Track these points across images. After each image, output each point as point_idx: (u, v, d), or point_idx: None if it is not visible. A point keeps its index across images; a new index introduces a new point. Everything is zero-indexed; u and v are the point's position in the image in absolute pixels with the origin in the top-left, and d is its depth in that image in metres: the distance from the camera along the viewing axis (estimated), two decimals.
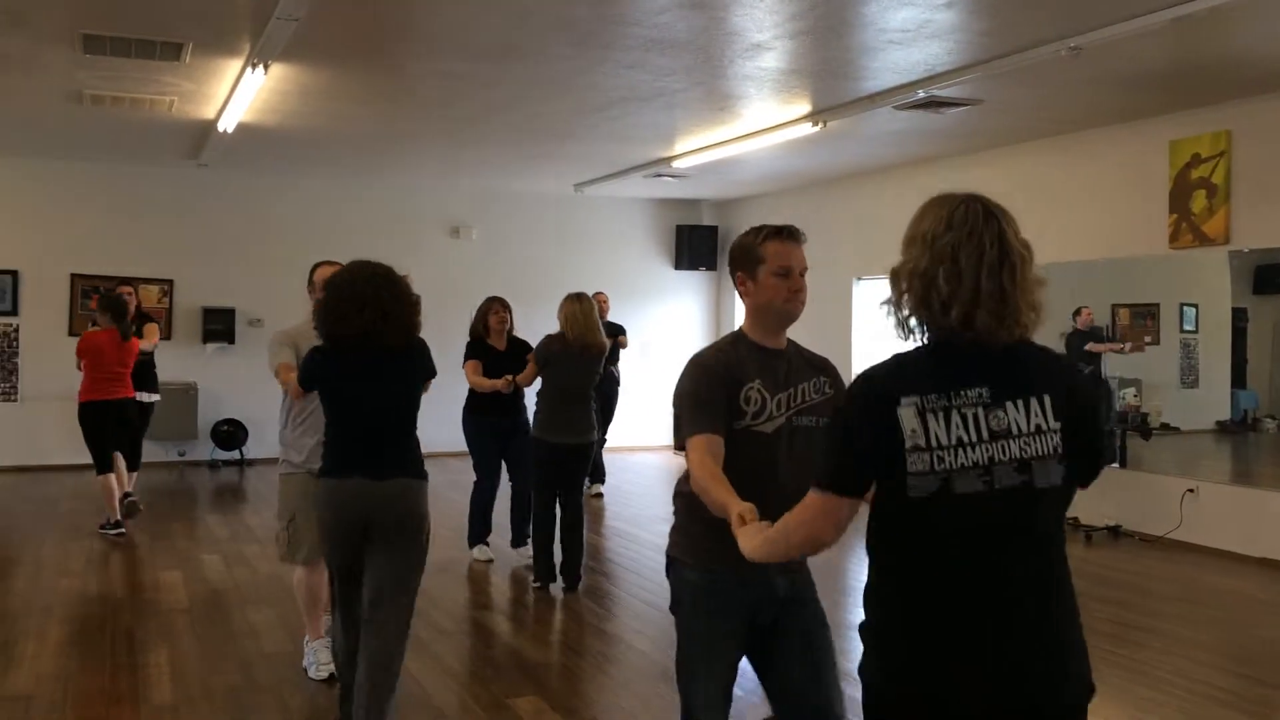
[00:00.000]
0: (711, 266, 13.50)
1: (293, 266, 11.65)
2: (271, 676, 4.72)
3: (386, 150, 9.89)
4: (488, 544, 6.94)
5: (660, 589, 6.51)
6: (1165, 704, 4.48)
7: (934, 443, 1.86)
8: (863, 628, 2.00)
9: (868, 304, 11.08)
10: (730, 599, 2.71)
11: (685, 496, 2.72)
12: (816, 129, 8.05)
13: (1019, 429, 1.90)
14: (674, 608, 2.85)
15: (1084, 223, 8.45)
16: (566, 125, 8.51)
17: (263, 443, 11.42)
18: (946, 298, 1.91)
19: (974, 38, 5.89)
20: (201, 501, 9.42)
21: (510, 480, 6.94)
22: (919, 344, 1.97)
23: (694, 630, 2.78)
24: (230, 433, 11.33)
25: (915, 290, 1.95)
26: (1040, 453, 1.90)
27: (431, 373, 4.03)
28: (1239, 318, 7.78)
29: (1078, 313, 8.86)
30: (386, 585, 3.66)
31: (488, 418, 6.81)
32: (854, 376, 2.01)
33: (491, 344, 6.83)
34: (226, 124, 8.19)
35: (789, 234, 2.73)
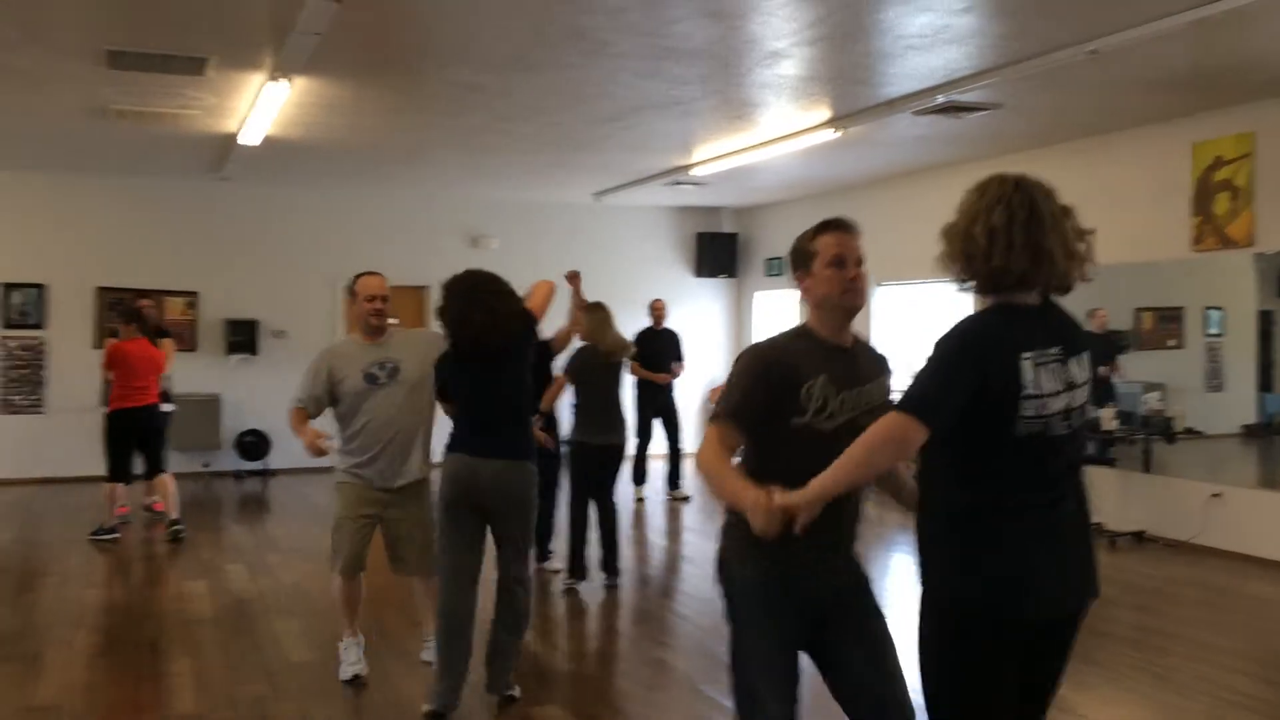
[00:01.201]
0: (732, 274, 13.49)
1: (315, 278, 11.84)
2: (296, 686, 4.74)
3: (406, 161, 9.96)
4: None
5: (686, 598, 6.52)
6: (1190, 710, 4.44)
7: (1042, 391, 2.34)
8: (937, 546, 2.44)
9: (889, 309, 11.04)
10: (782, 597, 2.65)
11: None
12: (836, 135, 8.05)
13: (1078, 381, 2.42)
14: (727, 610, 2.76)
15: (1107, 226, 8.34)
16: (584, 134, 8.54)
17: (286, 453, 11.49)
18: (985, 249, 2.40)
19: (993, 42, 5.87)
20: (226, 512, 9.49)
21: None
22: (978, 299, 2.47)
23: (748, 631, 2.70)
24: (254, 444, 11.40)
25: (955, 244, 2.48)
26: (1084, 400, 2.45)
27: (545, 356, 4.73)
28: (1265, 321, 7.70)
29: (1093, 314, 8.81)
30: (511, 556, 4.33)
31: None
32: (954, 324, 2.42)
33: None
34: (249, 137, 8.26)
35: (839, 225, 2.72)
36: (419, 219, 12.22)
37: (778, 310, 12.73)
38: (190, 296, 11.42)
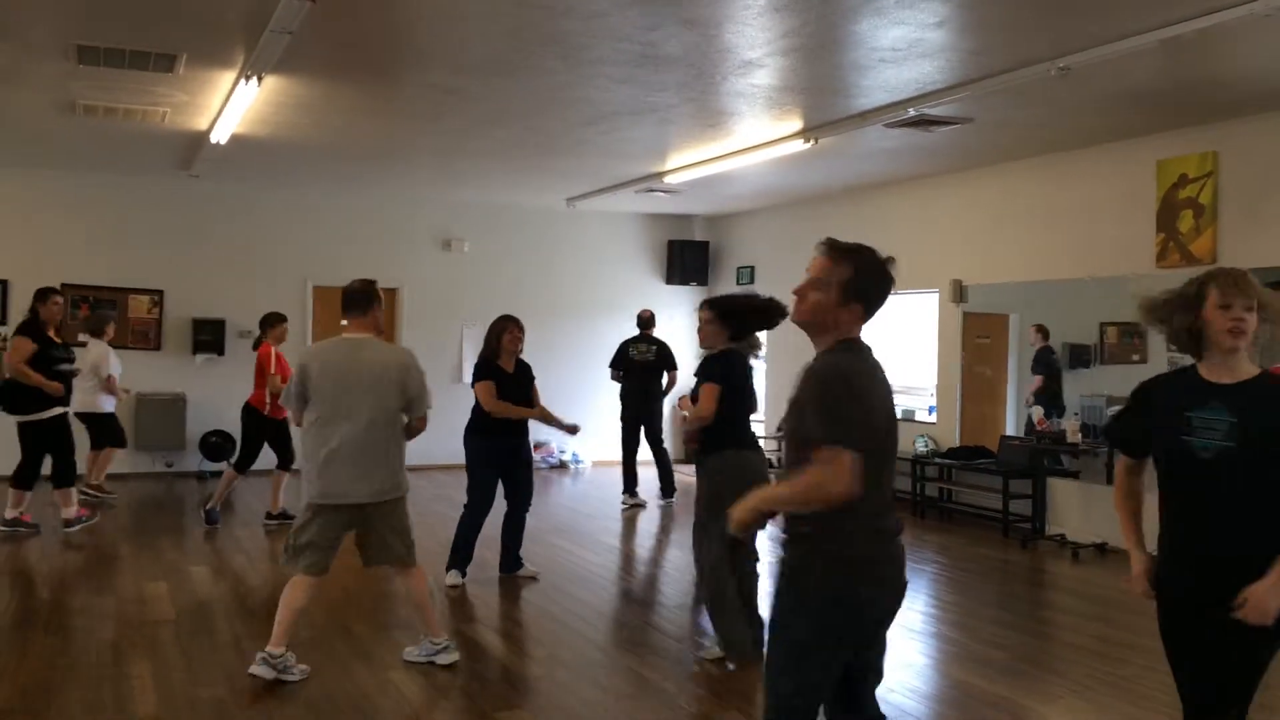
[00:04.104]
0: (703, 281, 13.53)
1: (283, 278, 11.76)
2: (258, 690, 4.69)
3: (379, 162, 9.91)
4: (464, 573, 6.65)
5: (647, 603, 6.52)
6: None
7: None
8: None
9: None
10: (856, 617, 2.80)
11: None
12: (808, 146, 8.09)
13: None
14: (798, 611, 2.84)
15: (1073, 241, 8.50)
16: (558, 139, 8.54)
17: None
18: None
19: (964, 57, 5.93)
20: (189, 513, 9.38)
21: (507, 503, 6.75)
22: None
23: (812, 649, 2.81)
24: (219, 444, 11.29)
25: None
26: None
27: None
28: None
29: (1039, 329, 8.97)
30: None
31: (494, 440, 6.58)
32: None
33: (501, 365, 6.59)
34: (219, 135, 8.19)
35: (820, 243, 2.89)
36: (390, 220, 12.17)
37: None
38: (156, 295, 11.30)
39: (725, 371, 5.17)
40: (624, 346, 10.49)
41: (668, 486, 10.22)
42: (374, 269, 12.13)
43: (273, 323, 8.71)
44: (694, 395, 5.27)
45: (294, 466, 8.81)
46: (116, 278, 11.08)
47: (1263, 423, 2.83)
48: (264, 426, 8.61)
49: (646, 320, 10.57)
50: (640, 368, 10.32)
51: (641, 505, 9.92)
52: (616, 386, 10.56)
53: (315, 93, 7.12)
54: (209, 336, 11.39)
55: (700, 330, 5.37)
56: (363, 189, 11.69)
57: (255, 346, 8.84)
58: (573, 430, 6.91)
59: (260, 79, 6.44)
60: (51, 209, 10.92)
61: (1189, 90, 6.63)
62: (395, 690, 4.72)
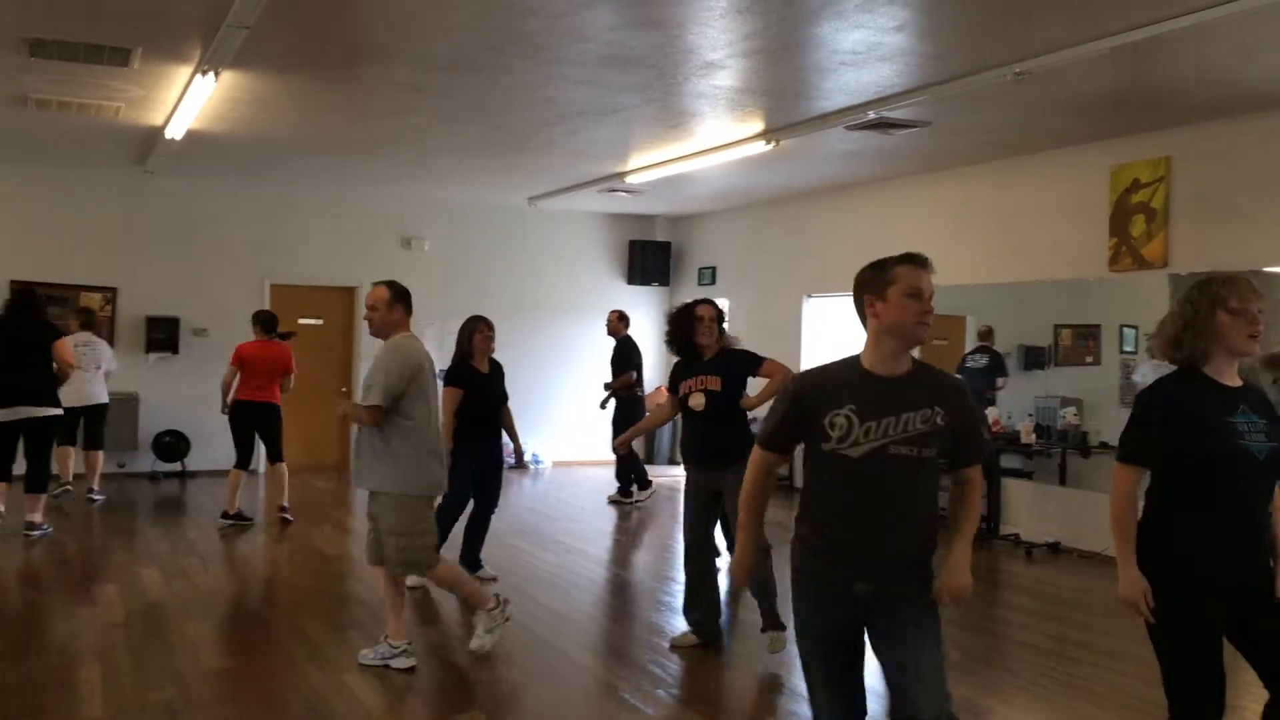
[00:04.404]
0: (664, 282, 13.54)
1: (240, 276, 11.62)
2: (209, 693, 4.63)
3: (338, 159, 9.82)
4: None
5: (605, 604, 6.51)
6: (1101, 718, 4.55)
7: None
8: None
9: (818, 321, 11.18)
10: (820, 597, 2.89)
11: (799, 509, 2.95)
12: (769, 147, 8.13)
13: None
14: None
15: (1028, 245, 8.60)
16: (520, 138, 8.51)
17: (205, 454, 11.26)
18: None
19: (923, 61, 5.98)
20: (141, 514, 9.24)
21: (474, 504, 6.72)
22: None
23: (798, 621, 3.00)
24: (172, 444, 11.14)
25: None
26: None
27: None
28: None
29: (986, 334, 9.16)
30: None
31: (466, 444, 6.48)
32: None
33: (475, 365, 6.56)
34: (175, 130, 8.08)
35: (920, 259, 2.84)
36: (349, 218, 12.06)
37: None
38: (108, 292, 11.11)
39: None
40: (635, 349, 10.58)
41: (644, 480, 10.33)
42: (332, 267, 12.08)
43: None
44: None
45: (251, 467, 8.75)
46: (68, 274, 10.89)
47: (1276, 421, 3.02)
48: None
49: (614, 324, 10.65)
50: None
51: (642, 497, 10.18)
52: (578, 386, 10.54)
53: (273, 88, 7.04)
54: (163, 335, 11.22)
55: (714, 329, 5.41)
56: (321, 186, 11.59)
57: (284, 336, 8.75)
58: (518, 457, 7.01)
59: (217, 74, 6.36)
60: (1, 203, 10.71)
61: (1142, 96, 6.73)
62: (349, 693, 4.67)
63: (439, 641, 5.62)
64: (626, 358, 10.43)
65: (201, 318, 11.43)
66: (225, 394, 8.58)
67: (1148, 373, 8.09)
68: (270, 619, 5.95)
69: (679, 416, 5.59)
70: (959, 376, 2.89)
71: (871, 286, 2.86)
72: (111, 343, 10.97)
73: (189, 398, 11.25)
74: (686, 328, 5.36)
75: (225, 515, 8.52)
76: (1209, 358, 3.01)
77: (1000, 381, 9.08)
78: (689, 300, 5.56)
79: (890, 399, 2.79)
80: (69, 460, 9.40)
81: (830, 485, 2.83)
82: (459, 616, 6.06)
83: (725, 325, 5.49)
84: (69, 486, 9.44)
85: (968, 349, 9.22)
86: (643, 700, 4.69)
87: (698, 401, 5.29)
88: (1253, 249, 7.05)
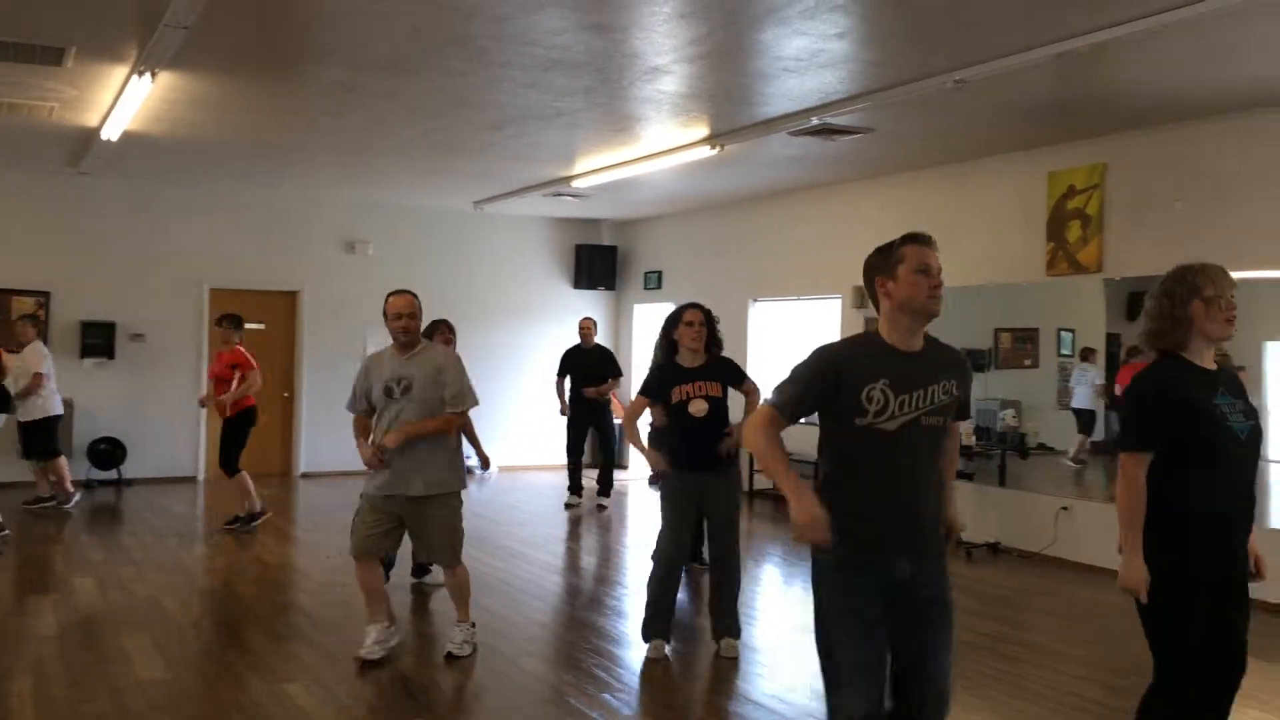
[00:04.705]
0: (610, 286, 13.54)
1: (178, 280, 11.41)
2: (144, 705, 4.53)
3: (278, 161, 9.69)
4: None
5: (552, 610, 6.49)
6: (1039, 715, 4.63)
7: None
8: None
9: (764, 324, 11.25)
10: (862, 577, 2.86)
11: (820, 490, 2.89)
12: (714, 152, 8.17)
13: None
14: (815, 594, 2.97)
15: (969, 249, 8.73)
16: (465, 141, 8.46)
17: (142, 461, 11.04)
18: None
19: (864, 68, 6.05)
20: (75, 522, 9.03)
21: None
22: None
23: (832, 608, 2.89)
24: (108, 451, 10.90)
25: None
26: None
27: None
28: (1112, 343, 8.12)
29: None
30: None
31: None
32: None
33: None
34: (110, 132, 7.92)
35: (924, 237, 2.95)
36: (291, 221, 11.90)
37: (655, 323, 12.84)
38: (42, 296, 10.84)
39: None
40: (566, 356, 10.61)
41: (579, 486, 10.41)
42: (273, 271, 11.91)
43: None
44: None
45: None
46: None
47: (1249, 403, 3.22)
48: None
49: (586, 330, 10.70)
50: (583, 376, 10.49)
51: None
52: (524, 391, 10.52)
53: (212, 89, 6.93)
54: (98, 340, 10.97)
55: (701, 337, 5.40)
56: (262, 188, 11.42)
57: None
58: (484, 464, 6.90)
59: (154, 74, 6.25)
60: None
61: (1079, 104, 6.87)
62: (291, 702, 4.61)
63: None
64: (613, 363, 10.53)
65: (139, 322, 11.20)
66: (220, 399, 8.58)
67: (1080, 377, 8.28)
68: (209, 629, 5.84)
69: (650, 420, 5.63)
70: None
71: (881, 268, 2.95)
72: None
73: (126, 404, 11.03)
74: (676, 333, 5.36)
75: (251, 517, 8.60)
76: (1188, 344, 3.18)
77: None
78: (680, 304, 5.50)
79: (918, 373, 2.88)
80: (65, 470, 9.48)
81: (865, 461, 2.85)
82: (403, 621, 6.00)
83: (720, 330, 5.48)
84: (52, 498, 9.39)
85: None
86: (590, 705, 4.68)
87: (700, 408, 5.23)
88: (1184, 255, 7.18)
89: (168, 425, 11.28)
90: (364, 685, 4.91)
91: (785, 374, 2.96)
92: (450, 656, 5.22)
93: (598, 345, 10.72)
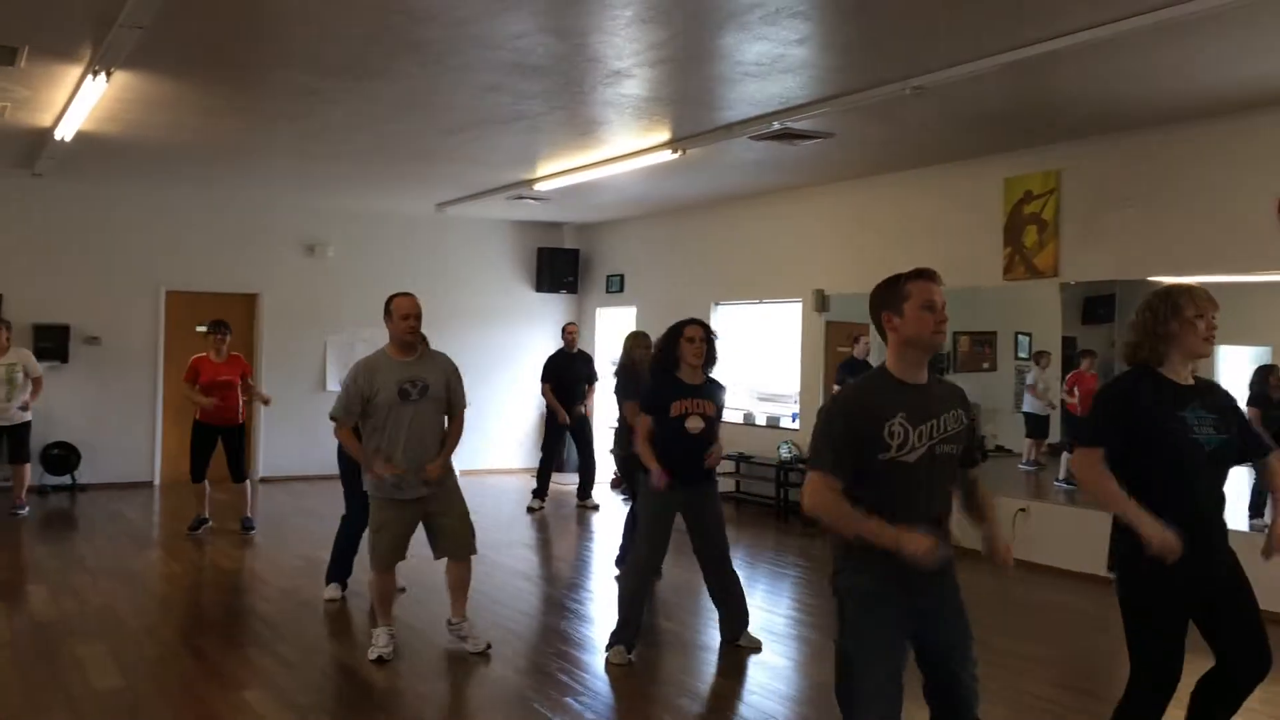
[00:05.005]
0: (573, 289, 13.53)
1: (134, 282, 11.26)
2: (99, 714, 4.47)
3: (237, 163, 9.59)
4: (345, 585, 6.53)
5: (514, 613, 6.47)
6: (995, 715, 4.68)
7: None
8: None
9: (726, 329, 11.30)
10: (888, 607, 2.95)
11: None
12: (676, 156, 8.19)
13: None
14: (840, 618, 3.03)
15: (928, 254, 8.79)
16: (426, 145, 8.42)
17: (95, 467, 10.88)
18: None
19: (825, 74, 6.10)
20: (28, 529, 8.88)
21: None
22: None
23: (858, 633, 2.98)
24: (61, 457, 10.72)
25: None
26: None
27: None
28: (1069, 346, 8.24)
29: (857, 340, 9.44)
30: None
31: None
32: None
33: None
34: (65, 132, 7.79)
35: (930, 273, 3.04)
36: (250, 223, 11.77)
37: (617, 326, 12.86)
38: None
39: None
40: (550, 362, 10.58)
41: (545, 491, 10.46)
42: (232, 274, 11.78)
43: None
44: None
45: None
46: None
47: (1230, 417, 3.37)
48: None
49: (570, 335, 10.74)
50: (568, 383, 10.50)
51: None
52: (485, 395, 10.50)
53: (168, 90, 6.85)
54: (51, 343, 10.77)
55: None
56: (220, 190, 11.29)
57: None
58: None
59: (109, 74, 6.16)
60: None
61: (1034, 111, 6.97)
62: (250, 710, 4.56)
63: (344, 655, 5.52)
64: (593, 368, 10.61)
65: (94, 325, 11.03)
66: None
67: (1033, 380, 8.39)
68: (166, 637, 5.77)
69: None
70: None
71: (888, 303, 3.02)
72: None
73: (80, 408, 10.86)
74: (675, 348, 5.46)
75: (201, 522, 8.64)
76: (1165, 359, 3.35)
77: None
78: (682, 320, 5.61)
79: (927, 403, 2.98)
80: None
81: (891, 494, 2.91)
82: (361, 626, 5.97)
83: (717, 347, 5.56)
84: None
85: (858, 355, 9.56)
86: (552, 709, 4.67)
87: (696, 425, 5.39)
88: (1137, 260, 7.35)
89: (123, 430, 11.12)
90: (324, 691, 4.87)
91: (813, 439, 3.01)
92: (477, 652, 5.37)
93: (580, 350, 10.76)
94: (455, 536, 5.36)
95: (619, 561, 7.24)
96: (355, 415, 5.18)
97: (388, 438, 5.11)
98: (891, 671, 2.94)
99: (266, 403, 9.39)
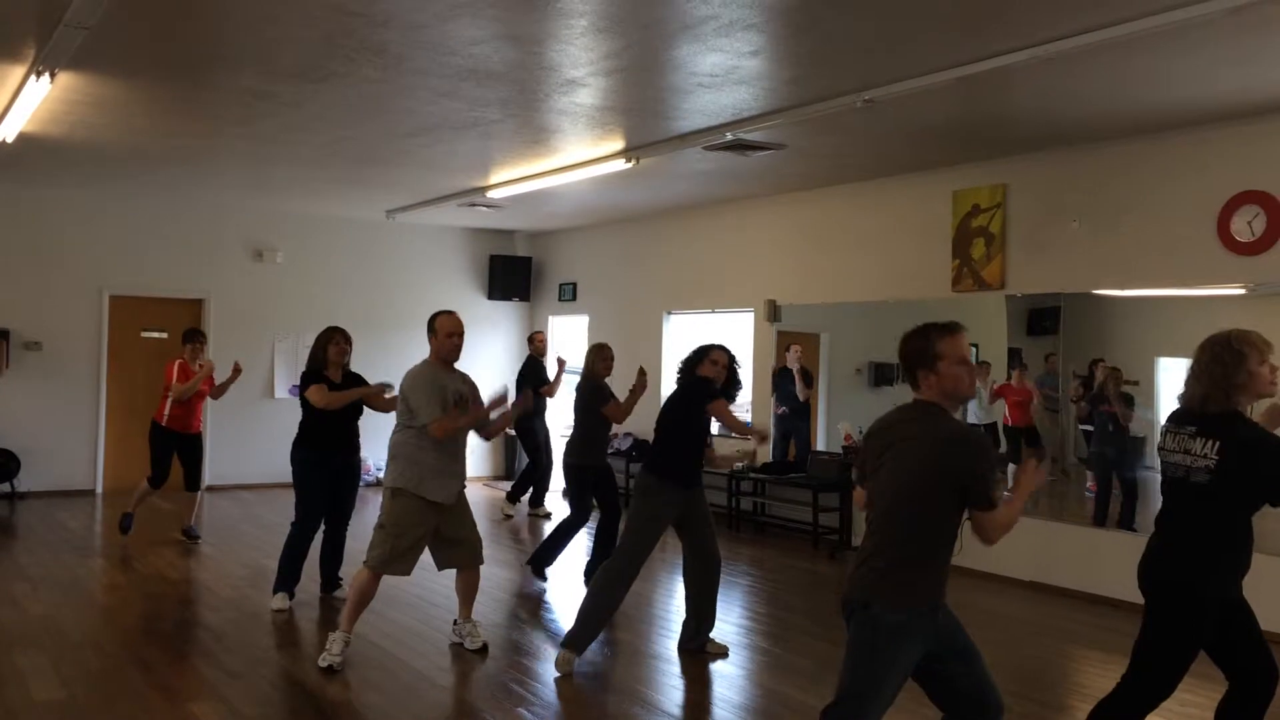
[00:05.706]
0: (525, 297, 13.50)
1: (77, 287, 11.05)
2: None
3: (185, 167, 9.45)
4: (292, 594, 6.47)
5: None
6: None
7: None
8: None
9: (678, 338, 11.33)
10: (920, 631, 3.13)
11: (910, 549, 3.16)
12: (629, 165, 8.22)
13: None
14: (859, 639, 3.18)
15: (877, 265, 8.94)
16: (377, 150, 8.37)
17: (35, 474, 10.64)
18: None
19: (778, 86, 6.16)
20: None
21: (326, 523, 6.58)
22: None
23: (873, 656, 3.13)
24: (1, 464, 10.47)
25: None
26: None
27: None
28: (1014, 358, 8.38)
29: (789, 348, 9.70)
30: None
31: (323, 452, 6.39)
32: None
33: (328, 375, 6.38)
34: (6, 133, 7.63)
35: (957, 328, 3.22)
36: (197, 228, 11.60)
37: (569, 334, 12.85)
38: None
39: None
40: (524, 369, 10.61)
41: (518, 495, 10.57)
42: (179, 278, 11.60)
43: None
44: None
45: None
46: None
47: (1214, 443, 3.60)
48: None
49: (539, 342, 10.74)
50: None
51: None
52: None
53: (114, 92, 6.74)
54: None
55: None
56: (167, 193, 11.11)
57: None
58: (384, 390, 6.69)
59: (53, 75, 6.05)
60: None
61: (982, 126, 7.09)
62: None
63: (293, 666, 5.45)
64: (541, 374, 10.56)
65: (34, 330, 10.81)
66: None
67: (982, 390, 8.52)
68: (109, 647, 5.65)
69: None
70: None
71: (921, 361, 3.18)
72: None
73: (20, 415, 10.62)
74: (700, 369, 5.79)
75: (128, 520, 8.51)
76: (1237, 405, 3.56)
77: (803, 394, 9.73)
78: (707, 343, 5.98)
79: None
80: None
81: (949, 520, 3.11)
82: (312, 637, 5.90)
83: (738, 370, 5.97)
84: None
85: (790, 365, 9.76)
86: (501, 717, 4.65)
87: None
88: (1081, 273, 7.51)
89: (65, 437, 10.90)
90: (272, 703, 4.80)
91: (981, 477, 3.15)
92: (485, 649, 5.61)
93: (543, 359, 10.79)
94: (470, 547, 5.53)
95: (588, 573, 7.21)
96: (442, 406, 5.27)
97: (430, 440, 5.26)
98: (888, 702, 3.17)
99: (239, 371, 8.86)
